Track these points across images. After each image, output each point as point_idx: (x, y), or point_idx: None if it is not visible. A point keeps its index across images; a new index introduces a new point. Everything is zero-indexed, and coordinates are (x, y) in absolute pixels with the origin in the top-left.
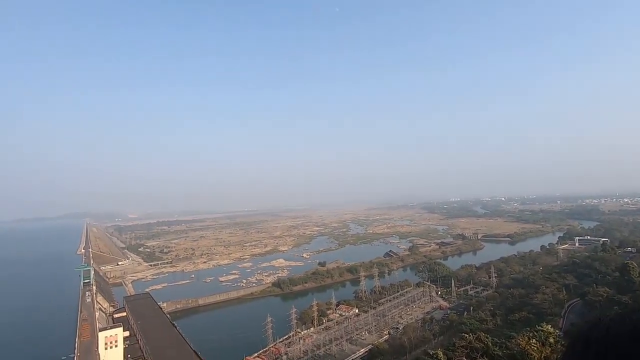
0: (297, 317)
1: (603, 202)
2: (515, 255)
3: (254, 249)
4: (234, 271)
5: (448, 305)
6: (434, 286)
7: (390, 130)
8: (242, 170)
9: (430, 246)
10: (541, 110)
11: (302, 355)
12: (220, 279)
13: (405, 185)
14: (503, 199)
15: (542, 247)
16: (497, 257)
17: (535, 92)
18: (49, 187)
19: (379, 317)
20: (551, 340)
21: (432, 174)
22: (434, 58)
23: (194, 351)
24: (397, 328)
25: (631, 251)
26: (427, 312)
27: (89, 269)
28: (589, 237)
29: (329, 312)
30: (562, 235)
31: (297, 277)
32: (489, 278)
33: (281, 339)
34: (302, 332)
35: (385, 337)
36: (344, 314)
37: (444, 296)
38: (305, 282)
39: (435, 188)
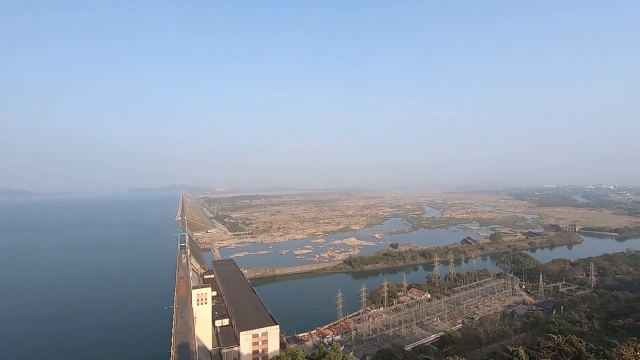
0: (367, 296)
1: None
2: (624, 254)
3: (327, 226)
4: (307, 246)
5: (533, 301)
6: (518, 279)
7: (478, 111)
8: (318, 150)
9: (515, 235)
10: None
11: (371, 332)
12: (295, 252)
13: (491, 169)
14: (612, 187)
15: None
16: (599, 253)
17: None
18: (154, 162)
19: (452, 305)
20: None
21: (523, 157)
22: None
23: (271, 316)
24: (473, 318)
25: None
26: (508, 306)
27: (185, 234)
28: None
29: (399, 294)
30: None
31: (368, 256)
32: (587, 276)
33: (351, 315)
34: (372, 311)
35: (459, 326)
36: (415, 297)
37: (528, 291)
38: (376, 262)
39: (525, 173)
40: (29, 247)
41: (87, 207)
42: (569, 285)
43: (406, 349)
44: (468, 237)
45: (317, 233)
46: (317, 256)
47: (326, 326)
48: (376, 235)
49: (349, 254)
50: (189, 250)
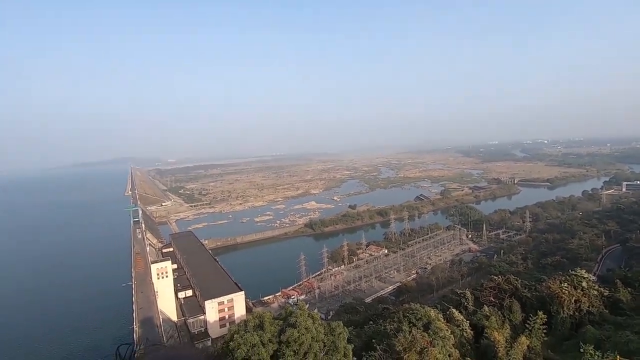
0: (329, 256)
1: None
2: (554, 200)
3: (287, 191)
4: (268, 212)
5: (478, 248)
6: (464, 230)
7: (426, 74)
8: (273, 115)
9: (462, 190)
10: (597, 46)
11: (333, 289)
12: (256, 219)
13: (440, 129)
14: (546, 141)
15: (584, 192)
16: (534, 201)
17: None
18: (100, 134)
19: (407, 258)
20: (584, 284)
21: (470, 116)
22: None
23: (235, 282)
24: (425, 268)
25: None
26: (456, 254)
27: (137, 209)
28: (638, 182)
29: (359, 251)
30: (607, 180)
31: (328, 218)
32: (523, 223)
33: (314, 275)
34: (333, 269)
35: (413, 276)
36: (373, 254)
37: (474, 239)
38: (336, 224)
39: (472, 131)
40: None
41: (27, 186)
42: (508, 232)
43: (366, 301)
44: (421, 195)
45: (277, 199)
46: (278, 222)
47: (290, 288)
48: (335, 198)
49: (309, 218)
50: (143, 225)
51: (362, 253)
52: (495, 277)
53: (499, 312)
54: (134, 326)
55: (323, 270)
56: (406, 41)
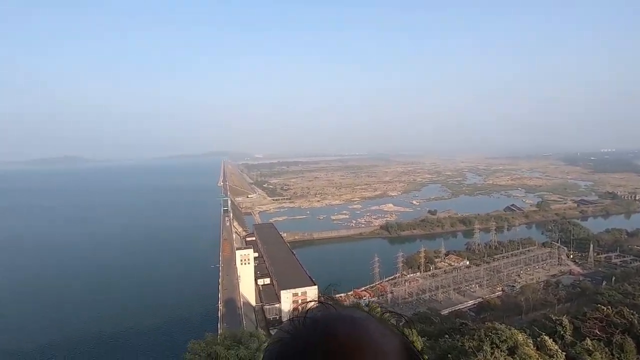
0: (404, 261)
1: None
2: None
3: (364, 192)
4: (344, 211)
5: (581, 271)
6: (565, 248)
7: (530, 69)
8: (354, 114)
9: (565, 203)
10: None
11: (407, 296)
12: (332, 217)
13: (539, 132)
14: None
15: None
16: None
17: None
18: (193, 129)
19: (492, 273)
20: None
21: (579, 119)
22: None
23: (309, 276)
24: (514, 286)
25: None
26: (553, 275)
27: (227, 199)
28: None
29: (436, 260)
30: None
31: (405, 222)
32: None
33: (387, 279)
34: (408, 275)
35: (498, 293)
36: (452, 264)
37: (576, 261)
38: (414, 228)
39: (579, 136)
40: (90, 210)
41: (134, 173)
42: (624, 256)
43: (442, 313)
44: (512, 205)
45: (354, 199)
46: (354, 221)
47: (363, 288)
48: (414, 202)
49: (385, 220)
50: (231, 214)
51: (441, 262)
52: (603, 307)
53: (606, 349)
54: (219, 305)
55: (397, 275)
56: (514, 37)
